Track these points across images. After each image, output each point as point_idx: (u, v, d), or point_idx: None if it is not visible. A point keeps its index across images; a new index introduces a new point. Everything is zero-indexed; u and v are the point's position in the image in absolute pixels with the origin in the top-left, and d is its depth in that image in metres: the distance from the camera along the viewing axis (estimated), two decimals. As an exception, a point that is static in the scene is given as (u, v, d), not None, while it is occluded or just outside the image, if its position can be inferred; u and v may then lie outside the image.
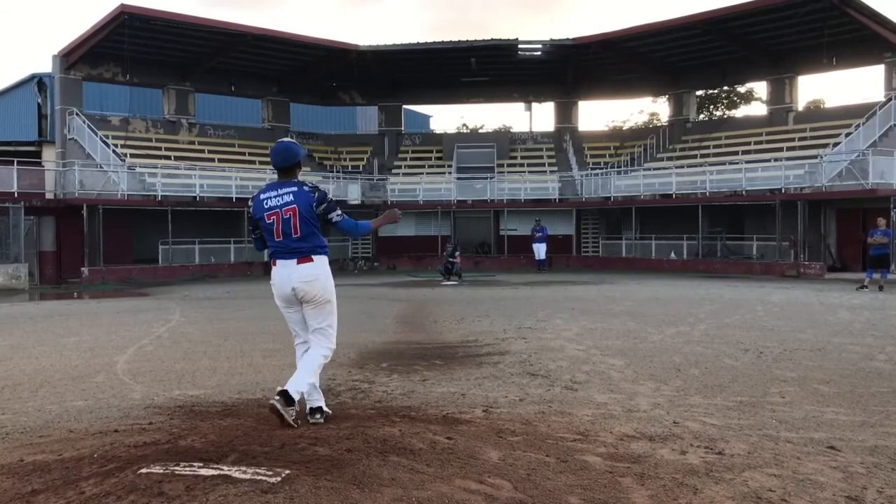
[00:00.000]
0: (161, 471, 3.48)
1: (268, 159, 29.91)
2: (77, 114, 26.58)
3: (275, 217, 4.74)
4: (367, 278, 23.68)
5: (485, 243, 31.07)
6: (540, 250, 26.62)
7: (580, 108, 35.23)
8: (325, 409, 4.81)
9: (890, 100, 24.39)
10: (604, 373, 6.74)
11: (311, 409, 4.75)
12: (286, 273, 4.77)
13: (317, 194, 4.74)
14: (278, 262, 4.80)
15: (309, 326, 4.89)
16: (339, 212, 4.83)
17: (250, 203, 4.89)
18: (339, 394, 5.88)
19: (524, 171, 32.14)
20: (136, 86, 30.85)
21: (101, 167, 24.95)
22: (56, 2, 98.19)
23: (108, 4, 51.76)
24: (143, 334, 9.96)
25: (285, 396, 4.47)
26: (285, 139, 5.10)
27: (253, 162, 29.59)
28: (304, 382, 4.61)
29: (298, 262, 4.74)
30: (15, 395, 6.06)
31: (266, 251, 4.97)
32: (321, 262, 4.80)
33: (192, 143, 29.76)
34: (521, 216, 28.97)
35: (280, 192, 4.76)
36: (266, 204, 4.76)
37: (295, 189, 4.75)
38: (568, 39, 30.71)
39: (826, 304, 13.22)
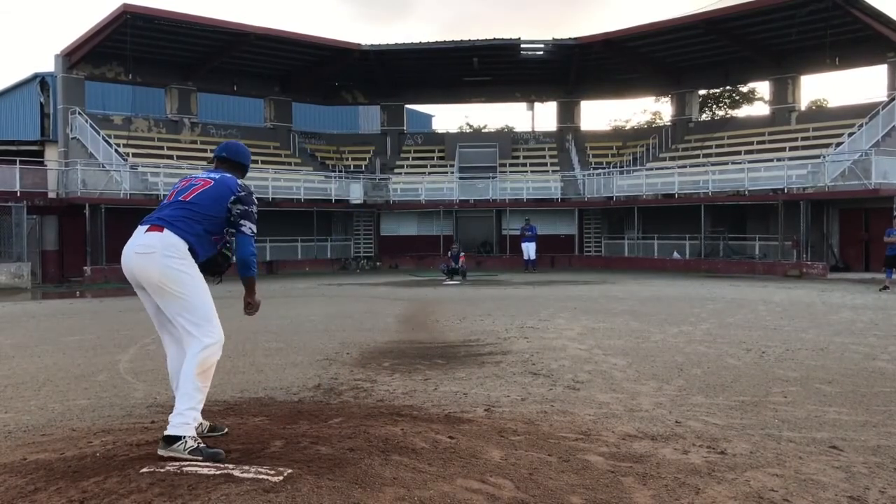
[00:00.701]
0: (163, 470, 3.48)
1: (270, 158, 30.06)
2: (79, 113, 26.62)
3: (185, 183, 4.15)
4: (369, 277, 23.69)
5: (487, 243, 31.08)
6: (529, 250, 26.60)
7: (582, 107, 35.24)
8: (190, 437, 3.72)
9: (893, 99, 24.35)
10: (606, 372, 6.74)
11: (165, 435, 3.75)
12: (131, 244, 3.93)
13: (244, 192, 4.09)
14: (135, 231, 3.98)
15: (173, 322, 3.96)
16: (252, 227, 4.08)
17: None
18: (342, 393, 5.88)
19: (526, 171, 32.15)
20: (138, 85, 30.90)
21: (103, 166, 24.98)
22: (59, 1, 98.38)
23: (110, 4, 51.81)
24: (145, 333, 9.97)
25: (167, 440, 3.73)
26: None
27: (255, 161, 29.59)
28: (187, 412, 3.77)
29: (148, 230, 3.89)
30: (17, 394, 6.07)
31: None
32: (172, 240, 3.84)
33: (195, 142, 29.80)
34: (523, 216, 28.97)
35: (211, 173, 4.25)
36: (188, 176, 4.25)
37: (227, 175, 4.20)
38: (570, 39, 30.71)
39: (828, 304, 13.21)
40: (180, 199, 4.02)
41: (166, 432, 3.77)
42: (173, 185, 4.29)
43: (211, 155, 27.44)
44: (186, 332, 3.88)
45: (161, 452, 3.73)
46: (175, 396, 3.98)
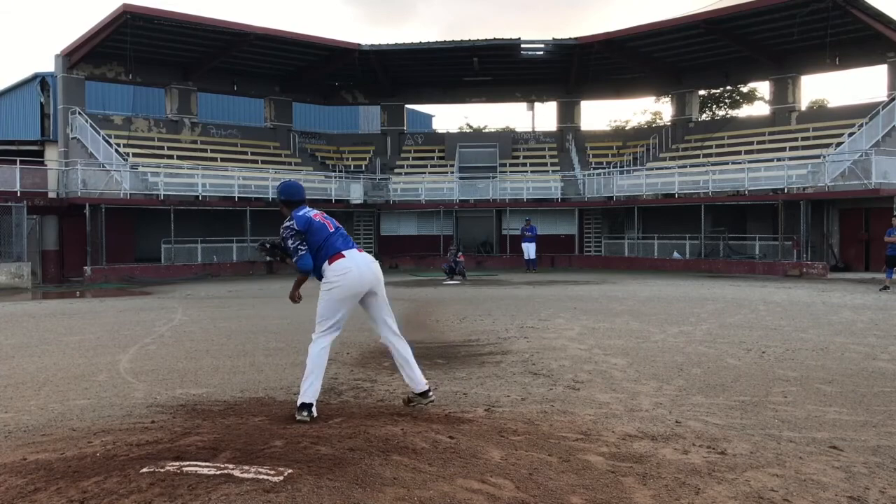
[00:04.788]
0: (163, 470, 3.48)
1: (270, 158, 29.92)
2: (80, 113, 26.62)
3: (318, 216, 5.18)
4: (369, 278, 23.65)
5: (487, 243, 31.08)
6: (529, 250, 26.45)
7: (583, 107, 35.28)
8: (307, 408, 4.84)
9: (893, 99, 24.34)
10: (606, 372, 6.73)
11: (301, 403, 4.89)
12: (361, 260, 5.08)
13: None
14: (347, 252, 5.04)
15: (384, 312, 5.29)
16: (291, 250, 5.20)
17: (291, 224, 5.10)
18: (342, 392, 5.88)
19: (527, 171, 32.15)
20: (138, 85, 30.90)
21: (103, 166, 24.98)
22: (59, 1, 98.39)
23: (110, 4, 51.85)
24: (145, 333, 9.98)
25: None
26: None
27: (255, 161, 29.62)
28: (309, 384, 4.94)
29: (359, 251, 5.18)
30: (18, 394, 6.07)
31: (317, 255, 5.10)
32: None
33: (195, 142, 29.80)
34: (523, 216, 28.99)
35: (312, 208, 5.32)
36: (307, 214, 5.17)
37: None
38: (570, 39, 30.70)
39: (828, 304, 13.20)
40: (338, 226, 5.24)
41: (419, 390, 5.24)
42: (310, 220, 5.13)
43: (211, 154, 27.58)
44: (392, 319, 5.29)
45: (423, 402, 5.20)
46: (410, 372, 5.19)
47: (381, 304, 5.23)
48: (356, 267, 5.02)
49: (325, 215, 5.26)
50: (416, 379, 5.18)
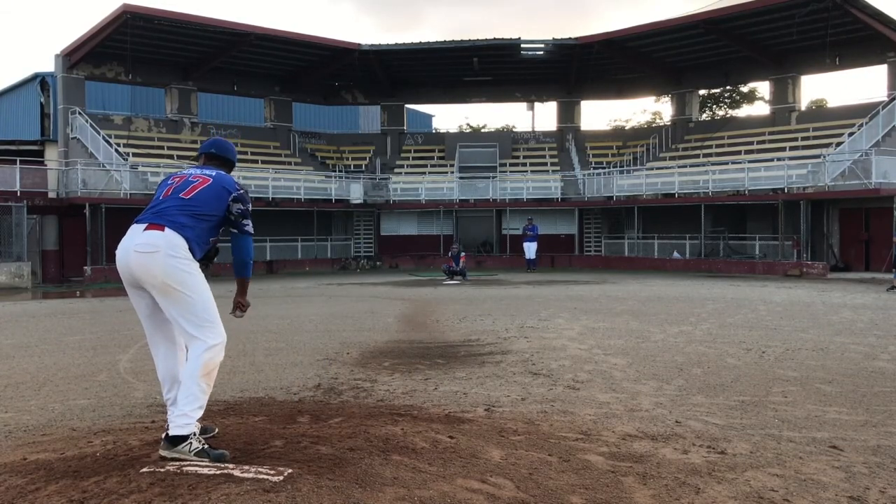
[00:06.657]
0: (163, 470, 3.48)
1: (270, 158, 29.90)
2: (80, 113, 26.62)
3: (180, 179, 3.99)
4: (369, 277, 23.69)
5: (487, 243, 31.10)
6: (530, 249, 26.49)
7: (583, 107, 35.29)
8: (195, 438, 3.71)
9: (893, 99, 24.34)
10: (606, 372, 6.73)
11: (170, 436, 3.70)
12: (129, 242, 3.82)
13: (242, 190, 4.05)
14: (131, 228, 3.86)
15: (173, 323, 3.86)
16: (250, 225, 4.06)
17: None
18: (342, 392, 5.88)
19: (526, 171, 32.16)
20: (138, 85, 30.91)
21: (103, 166, 24.98)
22: (59, 1, 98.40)
23: (110, 4, 51.87)
24: (145, 333, 9.96)
25: (171, 441, 3.69)
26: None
27: (256, 161, 29.61)
28: (192, 412, 3.73)
29: (147, 228, 3.78)
30: (18, 394, 6.07)
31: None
32: (175, 239, 3.74)
33: (195, 142, 29.77)
34: (523, 216, 29.00)
35: (204, 170, 4.11)
36: (180, 173, 4.09)
37: (222, 173, 4.11)
38: (570, 39, 30.70)
39: (828, 304, 13.20)
40: (180, 195, 3.90)
41: (171, 433, 3.72)
42: (162, 181, 4.17)
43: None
44: (189, 334, 3.79)
45: (164, 454, 3.67)
46: (167, 400, 3.96)
47: (168, 313, 3.81)
48: (122, 247, 3.86)
49: (195, 178, 4.01)
50: (171, 417, 3.80)
